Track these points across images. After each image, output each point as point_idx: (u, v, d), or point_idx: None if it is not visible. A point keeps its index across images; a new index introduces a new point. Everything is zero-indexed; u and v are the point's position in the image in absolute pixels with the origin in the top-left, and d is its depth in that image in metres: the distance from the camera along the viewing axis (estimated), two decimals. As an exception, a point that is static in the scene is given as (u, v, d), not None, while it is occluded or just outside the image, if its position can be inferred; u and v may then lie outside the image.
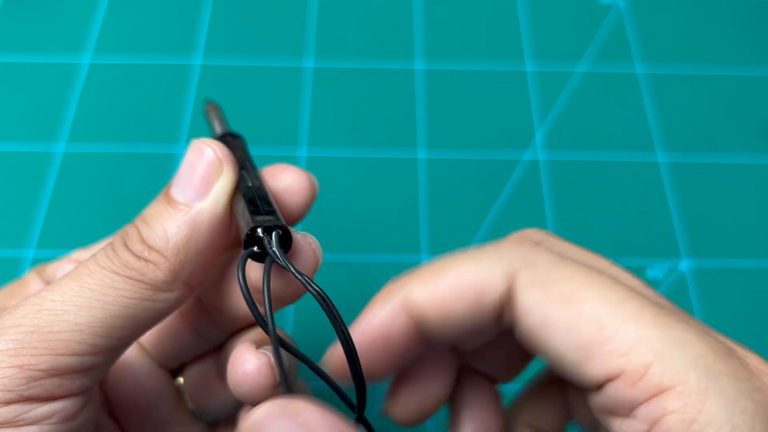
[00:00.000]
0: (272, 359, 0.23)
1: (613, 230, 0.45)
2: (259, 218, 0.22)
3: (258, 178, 0.26)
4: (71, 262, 0.29)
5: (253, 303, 0.21)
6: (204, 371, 0.29)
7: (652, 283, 0.42)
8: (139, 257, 0.22)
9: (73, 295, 0.21)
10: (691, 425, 0.16)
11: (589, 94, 0.50)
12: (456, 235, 0.44)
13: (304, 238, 0.23)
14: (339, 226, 0.45)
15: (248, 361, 0.23)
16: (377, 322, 0.22)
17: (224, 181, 0.24)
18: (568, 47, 0.53)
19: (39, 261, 0.43)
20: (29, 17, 0.54)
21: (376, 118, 0.49)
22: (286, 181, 0.27)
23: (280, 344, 0.20)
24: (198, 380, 0.29)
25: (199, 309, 0.27)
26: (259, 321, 0.20)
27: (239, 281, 0.21)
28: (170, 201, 0.23)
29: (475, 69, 0.52)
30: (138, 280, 0.22)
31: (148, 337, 0.27)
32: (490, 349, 0.26)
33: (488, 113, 0.50)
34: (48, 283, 0.28)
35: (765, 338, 0.41)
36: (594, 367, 0.18)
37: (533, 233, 0.24)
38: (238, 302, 0.26)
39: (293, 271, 0.21)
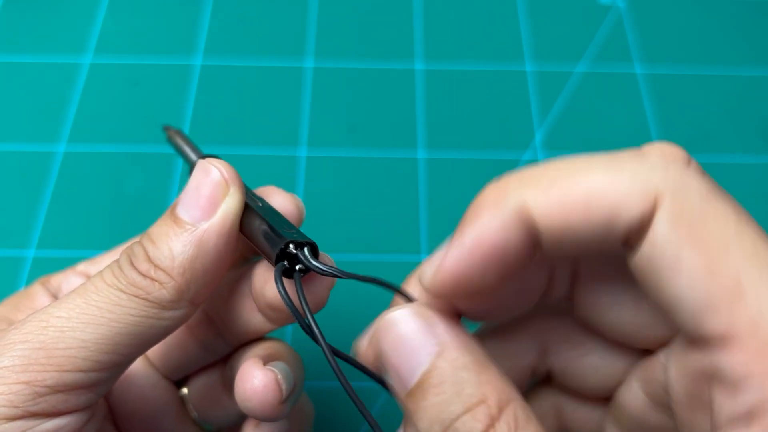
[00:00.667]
0: (279, 376, 0.24)
1: (613, 230, 0.45)
2: (287, 234, 0.23)
3: (258, 197, 0.26)
4: (76, 275, 0.29)
5: (299, 314, 0.22)
6: (209, 382, 0.29)
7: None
8: (145, 276, 0.22)
9: (80, 312, 0.21)
10: None
11: (589, 95, 0.51)
12: (456, 235, 0.44)
13: (321, 257, 0.24)
14: (339, 226, 0.45)
15: (256, 377, 0.24)
16: (491, 234, 0.19)
17: (231, 201, 0.24)
18: (568, 47, 0.53)
19: (40, 261, 0.43)
20: (30, 18, 0.54)
21: (376, 118, 0.49)
22: (273, 204, 0.27)
23: (331, 351, 0.21)
24: (203, 391, 0.29)
25: (206, 323, 0.28)
26: (306, 330, 0.21)
27: (281, 293, 0.22)
28: (176, 220, 0.23)
29: (475, 69, 0.52)
30: (144, 299, 0.22)
31: (153, 350, 0.27)
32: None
33: (488, 113, 0.50)
34: (53, 294, 0.28)
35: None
36: (715, 323, 0.16)
37: (679, 151, 0.20)
38: (246, 317, 0.26)
39: (339, 273, 0.22)
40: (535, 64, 0.52)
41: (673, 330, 0.20)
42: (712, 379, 0.17)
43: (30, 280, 0.42)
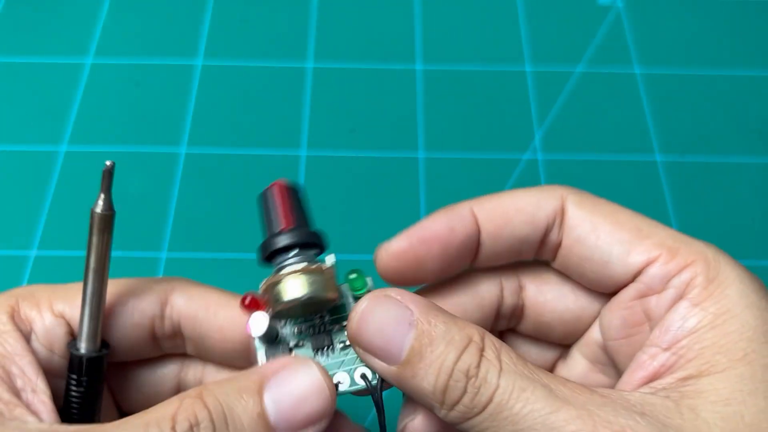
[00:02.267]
0: None
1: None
2: None
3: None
4: (54, 317, 0.26)
5: None
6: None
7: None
8: None
9: None
10: (713, 280, 0.23)
11: (589, 95, 0.51)
12: (456, 235, 0.44)
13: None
14: (339, 226, 0.45)
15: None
16: (438, 225, 0.25)
17: (320, 428, 0.22)
18: (568, 48, 0.53)
19: (41, 260, 0.43)
20: (32, 19, 0.54)
21: (377, 118, 0.49)
22: None
23: None
24: None
25: (175, 337, 0.28)
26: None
27: None
28: (263, 417, 0.21)
29: (475, 70, 0.52)
30: None
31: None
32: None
33: (489, 114, 0.50)
34: (24, 334, 0.25)
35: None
36: (637, 254, 0.24)
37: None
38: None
39: None
40: (534, 65, 0.52)
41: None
42: (643, 295, 0.24)
43: (31, 280, 0.42)
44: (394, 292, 0.23)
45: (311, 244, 0.25)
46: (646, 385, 0.23)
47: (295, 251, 0.24)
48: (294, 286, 0.23)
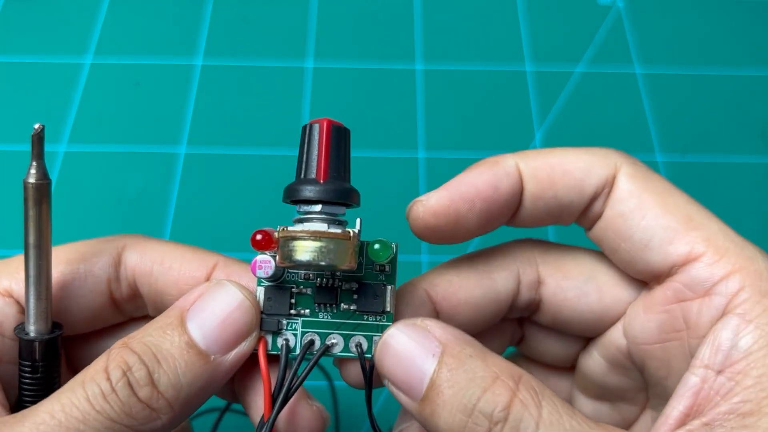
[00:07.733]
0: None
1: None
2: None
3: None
4: (0, 295, 0.24)
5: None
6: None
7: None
8: (145, 405, 0.20)
9: None
10: (765, 295, 0.20)
11: (589, 95, 0.51)
12: (456, 235, 0.44)
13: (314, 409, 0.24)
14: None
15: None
16: (482, 179, 0.24)
17: (252, 343, 0.22)
18: (568, 48, 0.53)
19: (41, 260, 0.43)
20: (31, 18, 0.54)
21: (377, 118, 0.49)
22: (299, 415, 0.24)
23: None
24: None
25: (134, 299, 0.26)
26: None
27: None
28: (190, 344, 0.21)
29: (475, 69, 0.52)
30: (136, 430, 0.20)
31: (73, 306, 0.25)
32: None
33: (489, 114, 0.50)
34: None
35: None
36: (680, 246, 0.21)
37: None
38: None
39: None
40: (535, 65, 0.52)
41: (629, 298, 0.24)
42: (682, 299, 0.22)
43: (31, 280, 0.42)
44: (423, 321, 0.21)
45: (340, 202, 0.23)
46: (698, 419, 0.19)
47: (321, 206, 0.23)
48: (309, 248, 0.21)
